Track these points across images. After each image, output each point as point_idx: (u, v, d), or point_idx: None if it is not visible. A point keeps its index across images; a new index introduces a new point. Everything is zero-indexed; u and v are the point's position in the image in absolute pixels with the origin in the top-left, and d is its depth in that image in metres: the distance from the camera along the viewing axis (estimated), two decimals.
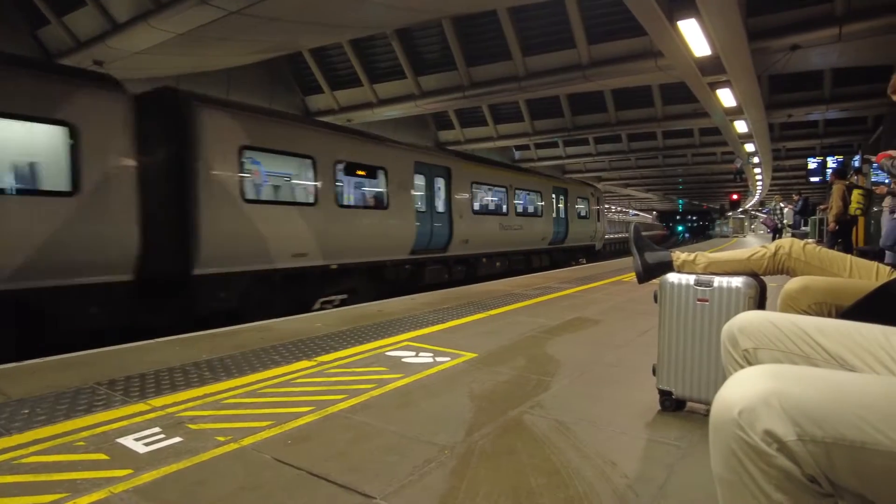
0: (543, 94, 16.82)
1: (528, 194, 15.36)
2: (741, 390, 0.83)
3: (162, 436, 2.31)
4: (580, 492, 1.82)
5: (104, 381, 3.11)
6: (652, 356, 2.63)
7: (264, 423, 2.44)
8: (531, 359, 3.64)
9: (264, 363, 3.51)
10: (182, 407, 2.66)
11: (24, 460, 2.08)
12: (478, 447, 2.19)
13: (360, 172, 9.48)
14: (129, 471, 1.98)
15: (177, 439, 2.27)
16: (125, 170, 5.92)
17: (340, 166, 8.68)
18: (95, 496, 1.81)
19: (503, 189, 13.88)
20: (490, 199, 13.80)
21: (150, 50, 10.85)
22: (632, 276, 2.66)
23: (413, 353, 3.73)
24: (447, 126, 21.82)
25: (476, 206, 12.70)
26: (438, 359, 3.59)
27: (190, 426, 2.42)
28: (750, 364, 1.20)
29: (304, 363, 3.49)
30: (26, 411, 2.60)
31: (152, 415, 2.56)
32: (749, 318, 1.27)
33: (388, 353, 3.74)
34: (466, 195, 12.16)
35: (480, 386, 3.02)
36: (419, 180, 10.76)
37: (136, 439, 2.27)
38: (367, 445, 2.22)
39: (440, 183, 11.43)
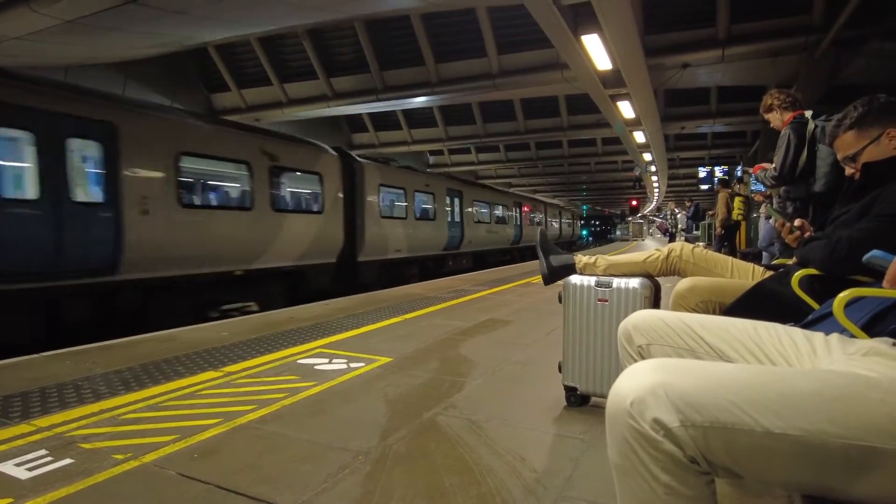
0: (456, 101, 17.12)
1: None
2: (632, 383, 0.91)
3: (49, 458, 2.13)
4: (492, 488, 1.88)
5: None
6: (558, 354, 2.76)
7: (168, 438, 2.31)
8: (445, 360, 3.70)
9: (167, 375, 3.32)
10: (73, 426, 2.47)
11: None
12: (392, 451, 2.20)
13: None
14: (9, 500, 1.81)
15: (67, 461, 2.10)
16: None
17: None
18: None
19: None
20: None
21: (32, 36, 9.91)
22: (540, 279, 2.78)
23: (326, 360, 3.67)
24: (361, 129, 21.61)
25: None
26: (353, 364, 3.56)
27: (82, 445, 2.25)
28: (644, 359, 1.30)
29: (211, 374, 3.34)
30: None
31: (37, 436, 2.36)
32: (642, 316, 1.39)
33: (299, 361, 3.66)
34: None
35: (395, 390, 3.03)
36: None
37: (18, 464, 2.08)
38: (278, 456, 2.17)
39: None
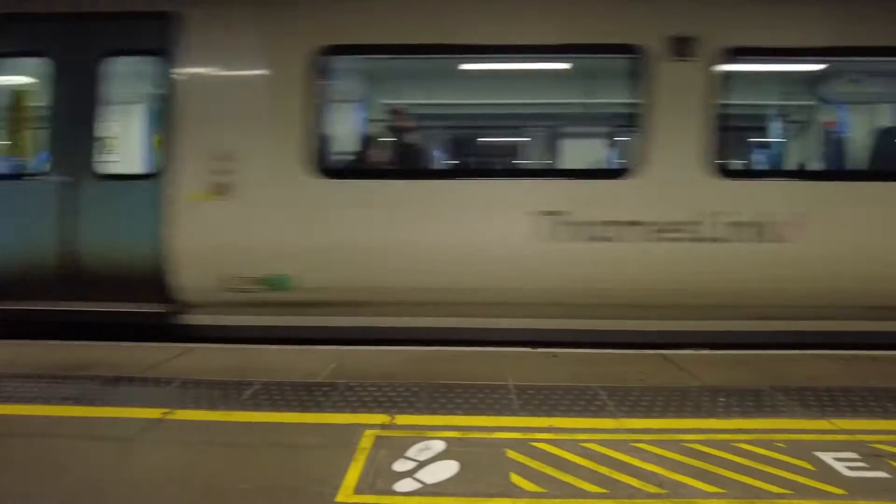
0: None
1: None
2: None
3: (862, 464, 2.31)
4: None
5: (771, 385, 3.34)
6: None
7: None
8: None
9: None
10: (875, 437, 2.60)
11: (735, 444, 2.48)
12: None
13: None
14: (842, 490, 2.10)
15: (881, 473, 2.24)
16: None
17: None
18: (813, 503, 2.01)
19: None
20: None
21: None
22: None
23: None
24: None
25: None
26: None
27: (893, 462, 2.34)
28: None
29: None
30: (722, 399, 3.11)
31: (841, 437, 2.61)
32: None
33: None
34: None
35: None
36: None
37: (836, 459, 2.34)
38: None
39: None
